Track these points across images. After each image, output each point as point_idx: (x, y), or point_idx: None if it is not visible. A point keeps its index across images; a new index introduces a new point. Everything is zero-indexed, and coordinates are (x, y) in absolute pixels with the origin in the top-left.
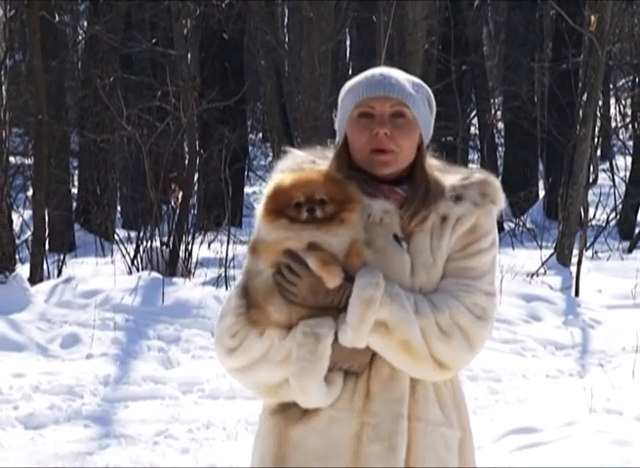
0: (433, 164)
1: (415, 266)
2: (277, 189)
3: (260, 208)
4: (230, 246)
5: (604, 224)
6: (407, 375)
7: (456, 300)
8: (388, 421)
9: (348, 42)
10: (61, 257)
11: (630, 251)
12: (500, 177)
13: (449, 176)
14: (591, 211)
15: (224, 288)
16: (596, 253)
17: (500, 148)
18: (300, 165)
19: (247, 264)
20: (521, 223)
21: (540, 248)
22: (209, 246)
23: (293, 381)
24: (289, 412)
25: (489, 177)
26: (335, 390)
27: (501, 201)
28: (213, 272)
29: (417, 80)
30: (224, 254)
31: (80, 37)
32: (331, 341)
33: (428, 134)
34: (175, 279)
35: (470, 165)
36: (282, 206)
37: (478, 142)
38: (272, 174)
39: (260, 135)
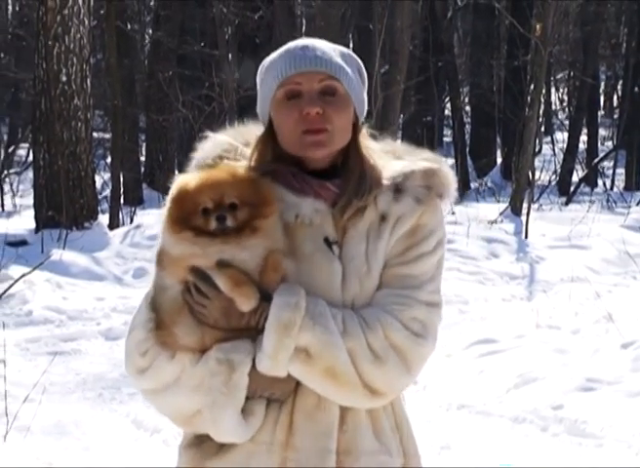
0: (372, 146)
1: (346, 275)
2: (181, 193)
3: (163, 213)
4: None
5: (547, 184)
6: (336, 404)
7: (390, 316)
8: (314, 457)
9: (351, 44)
10: (133, 209)
11: (567, 204)
12: (468, 148)
13: (392, 162)
14: (537, 173)
15: None
16: (541, 205)
17: (467, 126)
18: (220, 156)
19: (154, 276)
20: (483, 183)
21: (498, 201)
22: None
23: (206, 414)
24: (205, 446)
25: (435, 165)
26: (255, 421)
27: (450, 192)
28: None
29: (344, 49)
30: None
31: (146, 41)
32: (247, 369)
33: (363, 109)
34: None
35: (445, 138)
36: (187, 213)
37: (451, 121)
38: (189, 166)
39: None
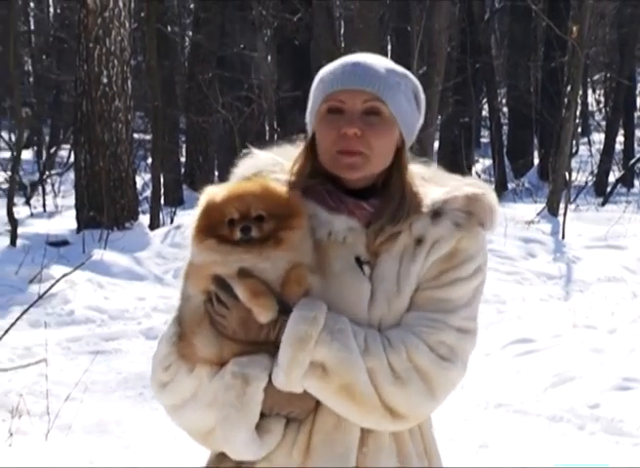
0: (417, 172)
1: (375, 295)
2: (209, 204)
3: (191, 224)
4: None
5: (583, 184)
6: (357, 425)
7: (416, 338)
8: None
9: (389, 46)
10: (173, 210)
11: (603, 204)
12: (505, 149)
13: (434, 188)
14: (574, 174)
15: None
16: (578, 206)
17: (504, 127)
18: (262, 169)
19: (181, 287)
20: (521, 183)
21: (535, 202)
22: None
23: (218, 429)
24: (223, 466)
25: (479, 192)
26: (271, 440)
27: (493, 222)
28: None
29: (401, 69)
30: None
31: (186, 43)
32: (263, 384)
33: (412, 133)
34: None
35: (482, 139)
36: (214, 223)
37: (488, 122)
38: (231, 179)
39: None
